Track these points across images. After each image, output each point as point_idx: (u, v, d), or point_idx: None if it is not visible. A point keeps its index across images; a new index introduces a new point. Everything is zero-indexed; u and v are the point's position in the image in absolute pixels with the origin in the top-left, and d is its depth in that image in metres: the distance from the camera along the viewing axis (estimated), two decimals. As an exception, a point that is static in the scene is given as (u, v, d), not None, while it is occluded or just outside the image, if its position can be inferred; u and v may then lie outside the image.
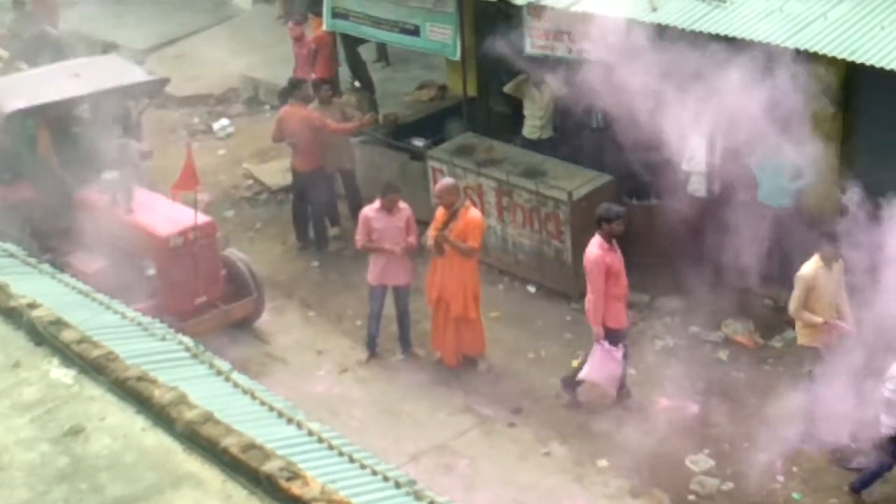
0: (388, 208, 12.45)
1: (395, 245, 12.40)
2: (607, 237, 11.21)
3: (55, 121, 13.97)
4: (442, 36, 14.80)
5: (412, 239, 12.51)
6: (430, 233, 12.23)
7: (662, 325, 13.09)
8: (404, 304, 12.90)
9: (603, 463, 11.15)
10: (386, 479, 5.36)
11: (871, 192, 14.04)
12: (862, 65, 10.62)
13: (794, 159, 12.51)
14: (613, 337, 11.38)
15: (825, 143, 13.62)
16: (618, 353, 11.38)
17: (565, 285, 13.70)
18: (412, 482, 5.38)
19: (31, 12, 19.60)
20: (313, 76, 16.90)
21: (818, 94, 13.55)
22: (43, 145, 13.76)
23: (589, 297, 11.35)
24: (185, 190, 12.80)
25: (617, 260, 11.24)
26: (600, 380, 11.58)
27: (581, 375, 11.68)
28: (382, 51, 19.73)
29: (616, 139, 15.07)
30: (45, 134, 13.77)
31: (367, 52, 18.59)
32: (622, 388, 11.76)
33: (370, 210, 12.54)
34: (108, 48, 21.51)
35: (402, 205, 12.56)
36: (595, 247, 11.20)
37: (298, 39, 18.20)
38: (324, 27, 16.68)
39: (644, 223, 13.30)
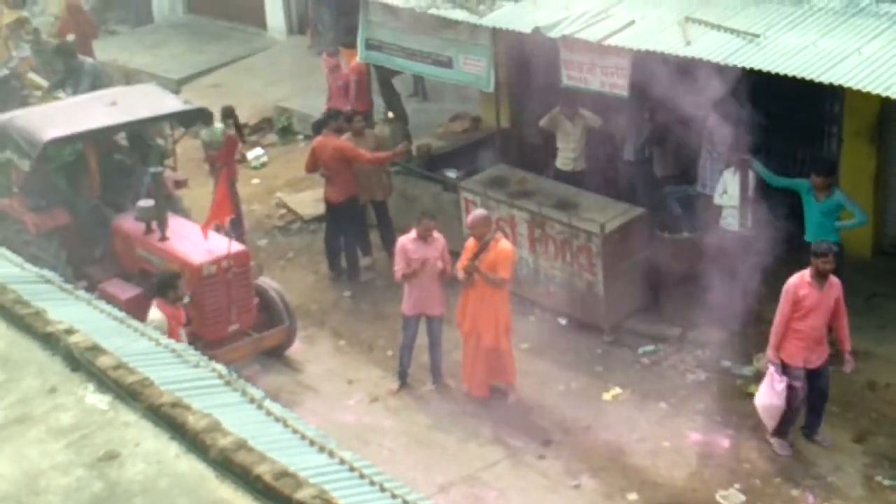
0: (424, 237, 12.47)
1: (433, 269, 12.41)
2: (814, 272, 10.92)
3: (95, 149, 14.15)
4: (476, 68, 14.87)
5: (447, 266, 12.52)
6: (461, 264, 12.25)
7: (693, 358, 13.05)
8: (437, 335, 12.91)
9: (633, 497, 11.10)
10: (416, 508, 5.38)
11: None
12: (896, 101, 10.60)
13: (841, 199, 12.49)
14: (784, 370, 11.15)
15: (858, 180, 13.67)
16: (780, 384, 11.08)
17: (597, 318, 13.67)
18: (443, 512, 5.39)
19: (64, 43, 19.81)
20: (349, 107, 17.02)
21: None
22: (93, 172, 13.91)
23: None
24: (220, 220, 12.90)
25: (814, 297, 10.88)
26: (760, 406, 11.38)
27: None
28: (418, 85, 19.84)
29: (649, 172, 15.19)
30: (94, 162, 13.92)
31: (402, 87, 18.70)
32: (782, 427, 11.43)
33: (406, 240, 12.56)
34: (144, 78, 21.73)
35: (437, 234, 12.60)
36: (797, 276, 11.02)
37: (333, 71, 18.34)
38: (357, 58, 16.80)
39: (676, 257, 13.30)
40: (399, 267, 12.51)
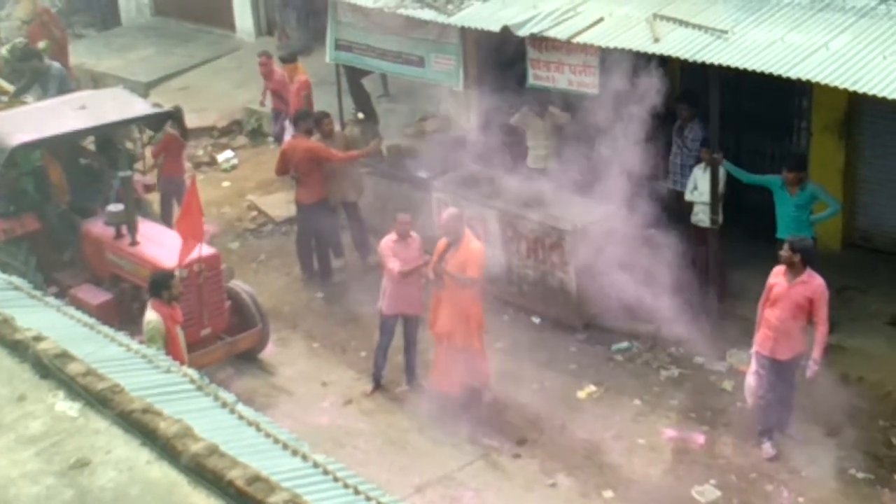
0: (404, 236, 12.39)
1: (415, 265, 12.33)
2: (786, 262, 10.98)
3: (61, 153, 14.06)
4: (446, 66, 14.87)
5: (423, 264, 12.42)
6: (432, 265, 12.18)
7: (667, 355, 13.08)
8: (413, 335, 12.87)
9: (609, 494, 11.11)
10: (391, 510, 5.36)
11: (874, 221, 14.18)
12: (864, 95, 10.65)
13: (814, 190, 12.53)
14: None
15: (828, 174, 13.74)
16: (754, 366, 11.27)
17: (570, 316, 13.68)
18: (418, 514, 5.37)
19: (30, 47, 19.74)
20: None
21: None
22: (55, 178, 13.84)
23: None
24: (194, 237, 12.41)
25: (781, 288, 10.91)
26: (746, 384, 11.55)
27: None
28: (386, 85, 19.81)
29: (620, 169, 15.19)
30: (56, 167, 13.85)
31: (372, 87, 18.64)
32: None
33: (388, 242, 12.44)
34: (112, 81, 21.63)
35: (414, 234, 12.53)
36: (778, 266, 11.09)
37: (267, 75, 18.23)
38: (327, 59, 16.75)
39: (648, 253, 13.30)
40: (393, 265, 12.25)
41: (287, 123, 17.59)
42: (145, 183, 14.85)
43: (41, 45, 20.05)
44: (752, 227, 13.25)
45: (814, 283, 10.86)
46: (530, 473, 11.49)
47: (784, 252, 10.92)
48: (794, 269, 10.87)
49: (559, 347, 13.49)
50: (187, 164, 19.14)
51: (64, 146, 14.25)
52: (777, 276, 11.02)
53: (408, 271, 12.29)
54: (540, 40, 13.24)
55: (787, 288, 10.90)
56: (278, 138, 18.15)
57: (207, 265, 12.67)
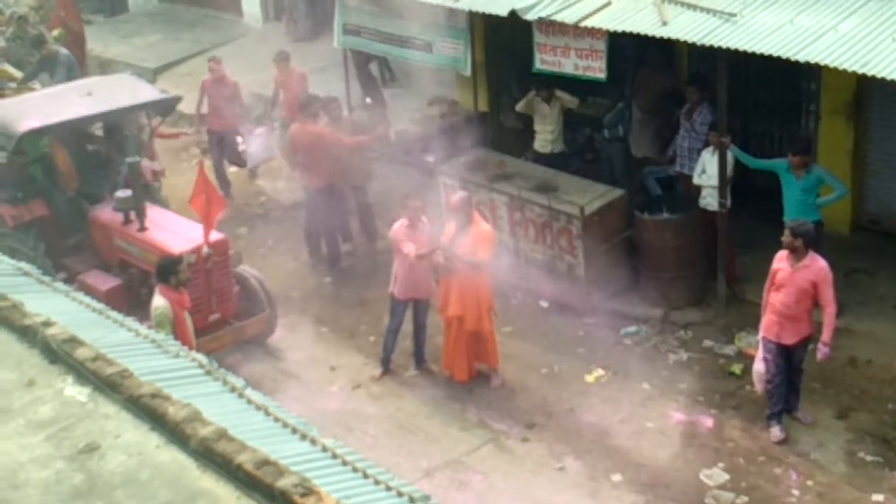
0: (414, 221, 12.36)
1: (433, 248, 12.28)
2: (787, 247, 10.96)
3: (69, 139, 14.08)
4: (454, 51, 14.85)
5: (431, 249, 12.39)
6: (441, 248, 12.16)
7: (676, 338, 13.08)
8: (423, 319, 12.87)
9: (617, 478, 11.13)
10: (400, 494, 5.36)
11: (882, 204, 14.16)
12: (872, 77, 10.61)
13: (820, 173, 12.50)
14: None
15: (836, 157, 13.71)
16: (759, 354, 11.28)
17: (578, 300, 13.67)
18: (426, 498, 5.38)
19: (39, 34, 19.79)
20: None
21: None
22: (63, 164, 13.86)
23: None
24: (216, 205, 12.54)
25: (785, 273, 10.89)
26: (753, 370, 11.53)
27: None
28: (385, 70, 19.77)
29: (628, 153, 15.20)
30: (64, 153, 13.87)
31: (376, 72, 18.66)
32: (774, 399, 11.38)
33: (399, 228, 12.40)
34: (120, 67, 21.62)
35: (424, 218, 12.50)
36: (781, 251, 11.07)
37: (216, 83, 17.72)
38: (335, 44, 16.74)
39: (656, 237, 13.31)
40: (409, 249, 12.16)
41: (240, 139, 17.43)
42: (153, 168, 14.85)
43: (55, 33, 20.08)
44: (760, 211, 13.23)
45: (816, 266, 10.84)
46: (539, 457, 11.51)
47: (786, 237, 10.90)
48: (796, 254, 10.86)
49: (567, 331, 13.49)
50: (196, 150, 19.21)
51: (71, 132, 14.26)
52: (780, 261, 11.01)
53: (424, 255, 12.27)
54: (547, 24, 13.21)
55: (790, 273, 10.88)
56: (235, 161, 17.89)
57: (216, 250, 12.69)
